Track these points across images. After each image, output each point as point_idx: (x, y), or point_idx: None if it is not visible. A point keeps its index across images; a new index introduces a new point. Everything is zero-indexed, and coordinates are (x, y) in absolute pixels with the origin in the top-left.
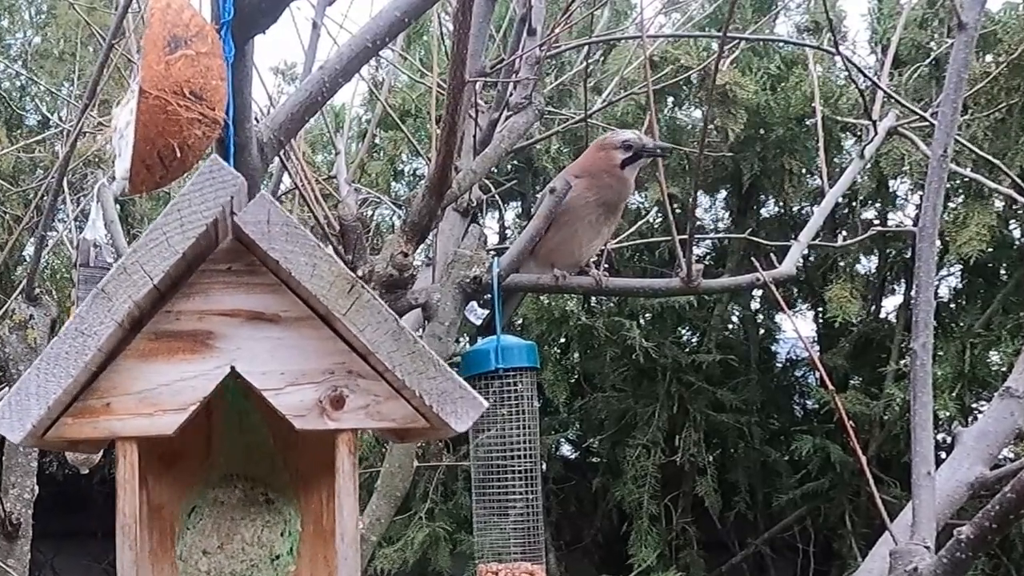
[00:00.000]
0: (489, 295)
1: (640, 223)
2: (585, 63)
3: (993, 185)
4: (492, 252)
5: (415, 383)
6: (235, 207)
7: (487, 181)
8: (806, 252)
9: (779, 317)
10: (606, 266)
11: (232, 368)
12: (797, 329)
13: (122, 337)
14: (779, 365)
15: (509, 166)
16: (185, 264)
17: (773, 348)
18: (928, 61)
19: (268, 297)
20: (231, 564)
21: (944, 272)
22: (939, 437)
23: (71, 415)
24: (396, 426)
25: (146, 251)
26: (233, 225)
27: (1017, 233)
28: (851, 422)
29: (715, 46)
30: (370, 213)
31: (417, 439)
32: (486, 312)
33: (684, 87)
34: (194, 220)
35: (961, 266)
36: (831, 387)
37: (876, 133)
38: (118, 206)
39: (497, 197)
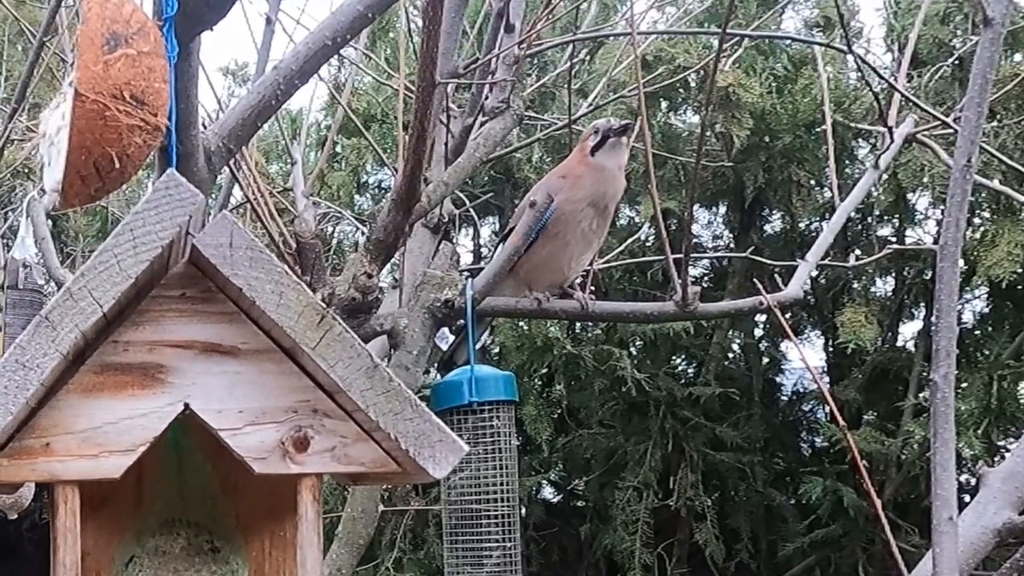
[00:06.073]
0: (462, 320)
1: (631, 240)
2: (569, 63)
3: None
4: (466, 273)
5: (390, 425)
6: (192, 227)
7: (460, 194)
8: (815, 273)
9: (785, 345)
10: (592, 288)
11: (186, 405)
12: (804, 358)
13: (64, 369)
14: (785, 398)
15: (485, 177)
16: (135, 290)
17: (778, 379)
18: (951, 61)
19: (225, 327)
20: None
21: (968, 295)
22: (963, 478)
23: (7, 456)
24: (365, 470)
25: (95, 275)
26: (190, 248)
27: None
28: (865, 462)
29: (715, 44)
30: (330, 229)
31: (380, 483)
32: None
33: (680, 89)
34: (148, 242)
35: (988, 289)
36: (843, 423)
37: (893, 141)
38: (50, 222)
39: (472, 211)
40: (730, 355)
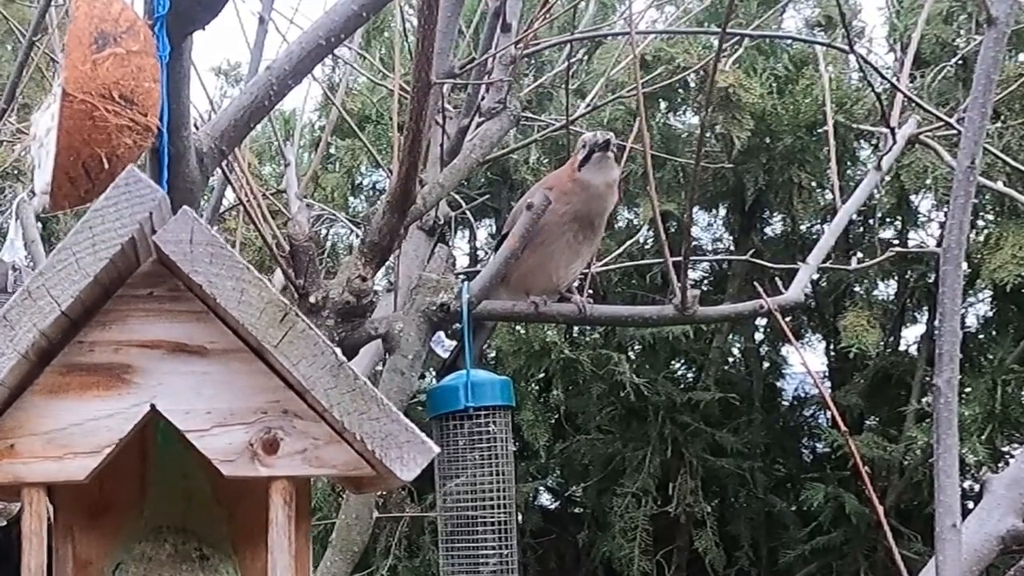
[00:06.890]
0: (458, 324)
1: (630, 243)
2: (567, 63)
3: None
4: (462, 276)
5: (355, 425)
6: (156, 224)
7: (456, 196)
8: (816, 276)
9: (785, 349)
10: (590, 291)
11: (152, 406)
12: (806, 363)
13: (28, 370)
14: (786, 403)
15: (481, 179)
16: (100, 289)
17: (779, 384)
18: (954, 60)
19: (193, 326)
20: None
21: (972, 299)
22: (966, 485)
23: None
24: (338, 473)
25: (53, 274)
26: (155, 245)
27: None
28: (867, 468)
29: (715, 43)
30: (324, 232)
31: (368, 489)
32: (454, 344)
33: (680, 89)
34: (107, 239)
35: (992, 292)
36: (844, 428)
37: (895, 142)
38: (40, 224)
39: (468, 214)
40: (730, 359)
